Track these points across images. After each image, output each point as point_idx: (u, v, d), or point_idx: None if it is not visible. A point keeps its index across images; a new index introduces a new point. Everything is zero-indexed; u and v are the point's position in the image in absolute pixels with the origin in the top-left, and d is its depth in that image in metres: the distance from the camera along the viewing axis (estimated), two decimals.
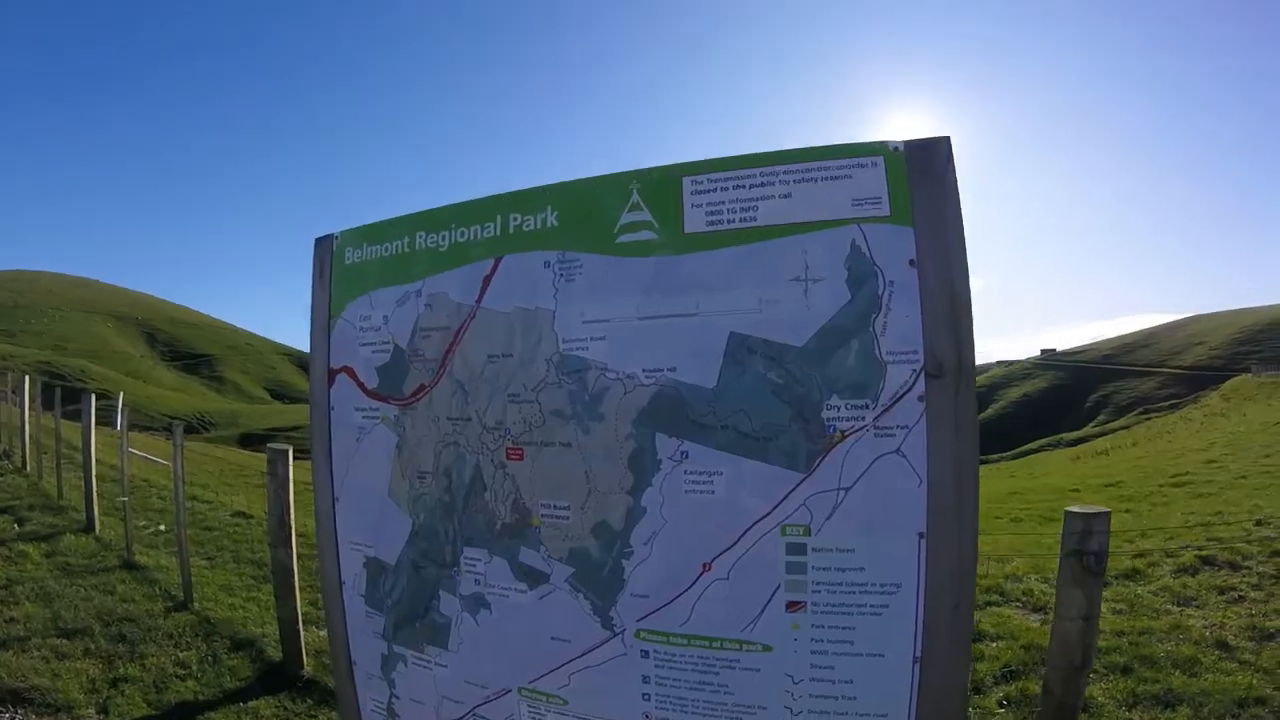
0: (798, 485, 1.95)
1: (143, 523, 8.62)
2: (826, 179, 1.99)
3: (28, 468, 11.73)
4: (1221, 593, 5.51)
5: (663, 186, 2.14)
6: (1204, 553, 6.34)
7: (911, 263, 1.92)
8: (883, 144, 1.98)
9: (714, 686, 2.07)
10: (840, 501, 1.92)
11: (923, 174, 1.94)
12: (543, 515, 2.25)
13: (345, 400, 2.65)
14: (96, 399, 9.20)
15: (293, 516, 4.38)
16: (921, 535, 1.83)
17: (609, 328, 2.16)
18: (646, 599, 2.12)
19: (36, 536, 7.75)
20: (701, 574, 2.06)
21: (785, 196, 2.02)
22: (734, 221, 2.06)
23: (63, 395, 12.23)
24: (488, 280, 2.35)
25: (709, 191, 2.09)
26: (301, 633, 4.40)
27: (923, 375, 1.89)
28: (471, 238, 2.40)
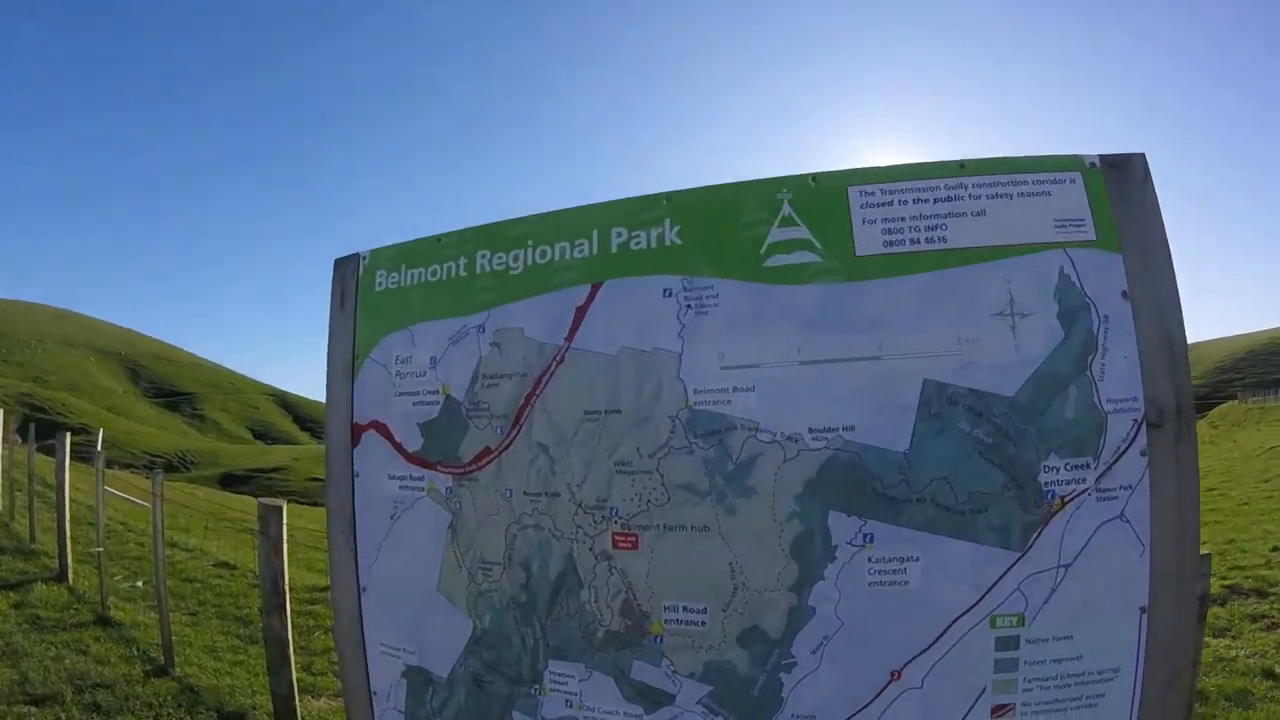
0: (1011, 567, 1.44)
1: (118, 576, 7.18)
2: (1023, 195, 1.51)
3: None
4: (1254, 620, 5.13)
5: (822, 197, 1.56)
6: (1227, 582, 5.95)
7: (1124, 294, 1.48)
8: (1077, 158, 1.54)
9: None
10: (1059, 582, 1.45)
11: (1122, 194, 1.54)
12: (667, 620, 1.59)
13: (375, 465, 1.89)
14: (75, 434, 7.80)
15: (287, 580, 3.53)
16: (1143, 610, 1.44)
17: (760, 375, 1.53)
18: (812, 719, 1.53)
19: (5, 584, 6.42)
20: (889, 684, 1.49)
21: (979, 214, 1.50)
22: (919, 242, 1.51)
23: (40, 429, 10.50)
24: (582, 312, 1.69)
25: (884, 205, 1.54)
26: (298, 708, 3.55)
27: (1144, 425, 1.45)
28: (557, 257, 1.73)
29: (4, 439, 10.82)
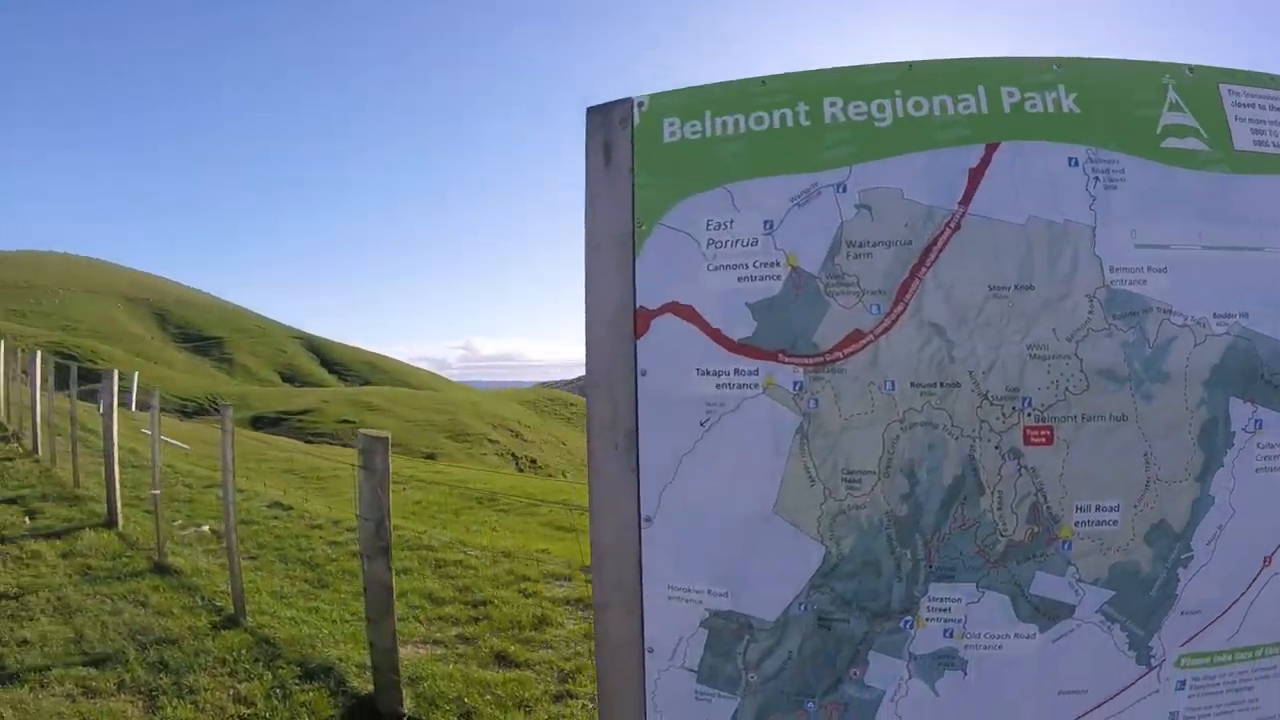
0: None
1: (176, 521, 5.32)
2: None
3: (39, 452, 7.67)
4: None
5: (1198, 89, 1.29)
6: None
7: None
8: None
9: (1243, 705, 1.28)
10: None
11: None
12: (1078, 522, 1.23)
13: (675, 360, 1.21)
14: (105, 380, 5.60)
15: (391, 520, 2.45)
16: None
17: (1169, 256, 1.20)
18: (1197, 615, 1.25)
19: (51, 533, 4.83)
20: (1261, 571, 1.29)
21: None
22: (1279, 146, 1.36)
23: (70, 377, 8.15)
24: (977, 175, 1.23)
25: (1249, 106, 1.31)
26: (399, 661, 2.54)
27: None
28: (934, 111, 1.26)
29: (40, 385, 8.36)
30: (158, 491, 4.43)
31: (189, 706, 2.66)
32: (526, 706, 2.57)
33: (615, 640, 1.25)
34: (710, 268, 1.22)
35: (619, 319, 1.23)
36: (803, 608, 1.21)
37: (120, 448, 5.32)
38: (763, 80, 1.26)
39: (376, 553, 2.47)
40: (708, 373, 1.21)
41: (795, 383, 1.19)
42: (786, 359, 1.19)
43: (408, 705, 2.53)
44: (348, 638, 3.25)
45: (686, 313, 1.22)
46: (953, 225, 1.19)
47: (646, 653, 1.25)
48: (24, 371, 9.54)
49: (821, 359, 1.19)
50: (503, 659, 3.01)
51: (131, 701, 2.71)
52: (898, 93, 1.23)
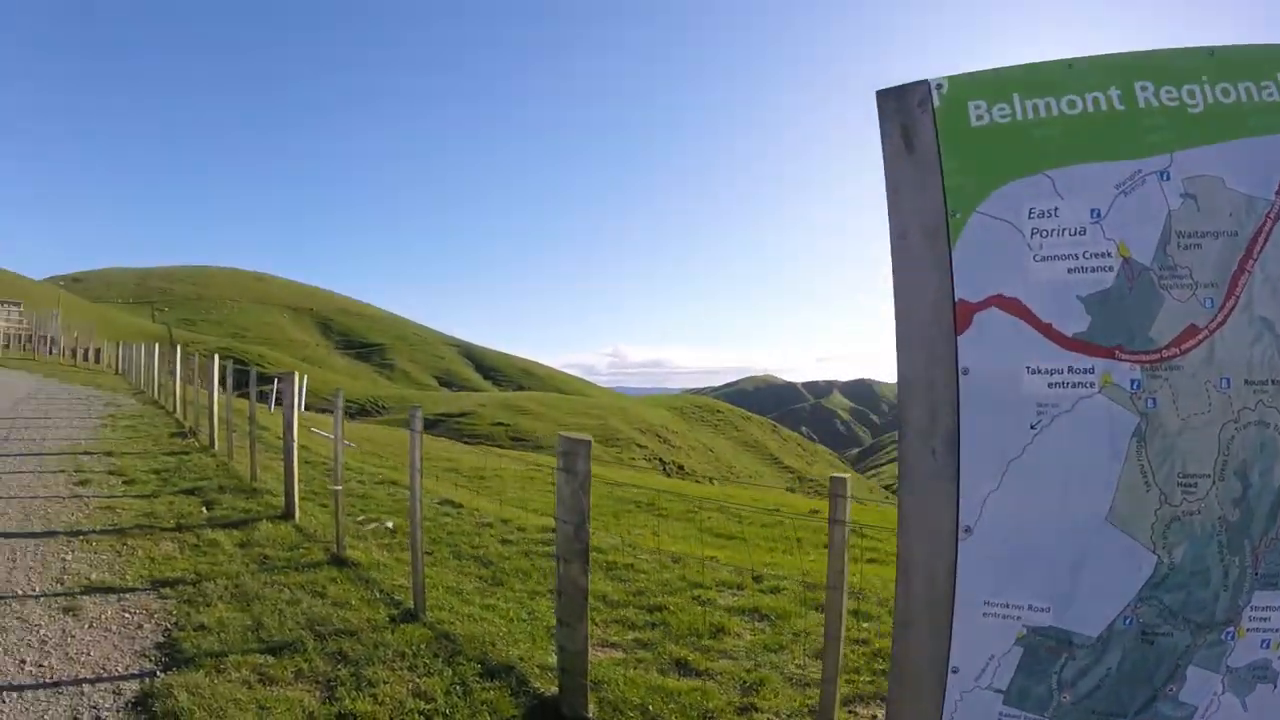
0: None
1: (360, 516, 5.13)
2: None
3: (215, 446, 7.58)
4: None
5: None
6: None
7: None
8: None
9: None
10: None
11: None
12: None
13: (1001, 357, 1.06)
14: (279, 382, 5.45)
15: (589, 524, 2.20)
16: None
17: None
18: None
19: (228, 523, 4.67)
20: None
21: None
22: None
23: (244, 379, 8.66)
24: None
25: None
26: (589, 666, 2.31)
27: None
28: (1240, 99, 1.17)
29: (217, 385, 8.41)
30: (339, 487, 4.12)
31: (368, 699, 2.39)
32: (711, 717, 2.38)
33: (916, 660, 1.09)
34: (1037, 258, 1.08)
35: (936, 314, 1.07)
36: (1128, 621, 1.09)
37: (303, 447, 4.98)
38: (1069, 63, 1.14)
39: (574, 556, 2.24)
40: (1039, 371, 1.08)
41: (1133, 381, 1.08)
42: (1124, 356, 1.08)
43: (593, 711, 2.29)
44: (526, 637, 3.01)
45: (1013, 306, 1.08)
46: (1273, 215, 1.11)
47: (950, 673, 1.10)
48: (197, 373, 9.76)
49: (1159, 355, 1.08)
50: (682, 666, 2.78)
51: (309, 691, 2.47)
52: (1204, 78, 1.13)
